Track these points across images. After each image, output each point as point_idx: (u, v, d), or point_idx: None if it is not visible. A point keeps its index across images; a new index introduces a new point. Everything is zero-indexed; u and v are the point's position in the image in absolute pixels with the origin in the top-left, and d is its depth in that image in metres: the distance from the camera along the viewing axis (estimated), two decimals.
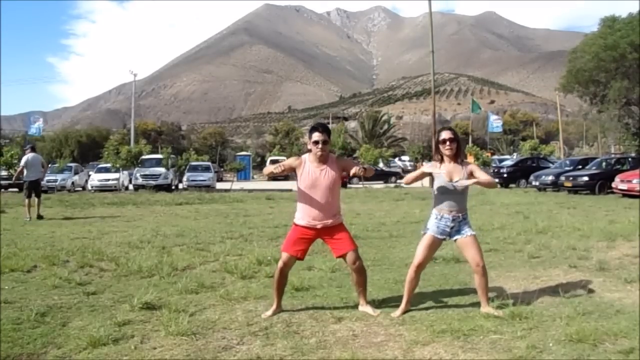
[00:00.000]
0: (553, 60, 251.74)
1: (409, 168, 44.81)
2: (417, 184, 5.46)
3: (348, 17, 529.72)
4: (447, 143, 3.96)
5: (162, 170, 24.97)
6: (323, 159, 4.03)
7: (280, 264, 4.07)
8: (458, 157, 4.01)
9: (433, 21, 28.96)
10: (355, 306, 4.14)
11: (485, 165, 28.46)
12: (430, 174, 4.09)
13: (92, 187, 25.44)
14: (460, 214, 3.98)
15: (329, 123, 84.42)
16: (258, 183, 33.42)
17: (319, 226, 4.02)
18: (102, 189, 24.64)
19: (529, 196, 17.69)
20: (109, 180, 25.48)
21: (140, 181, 24.58)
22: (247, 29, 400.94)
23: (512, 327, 3.54)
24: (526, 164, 25.87)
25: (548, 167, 23.49)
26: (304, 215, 4.05)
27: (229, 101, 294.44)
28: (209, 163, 30.98)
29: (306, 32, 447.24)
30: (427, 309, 4.10)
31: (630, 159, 20.47)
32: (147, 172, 24.77)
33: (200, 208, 14.63)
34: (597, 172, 18.86)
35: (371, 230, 9.05)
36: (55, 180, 24.25)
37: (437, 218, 4.00)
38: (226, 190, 23.37)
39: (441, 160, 4.04)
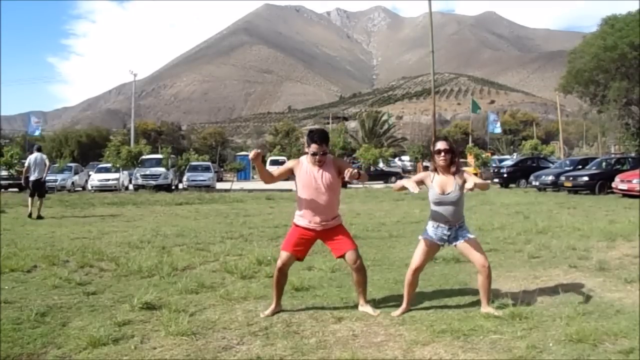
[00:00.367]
0: (553, 60, 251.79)
1: (409, 168, 44.82)
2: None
3: (348, 17, 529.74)
4: (442, 154, 3.96)
5: (162, 170, 24.96)
6: (320, 163, 4.04)
7: (279, 263, 4.08)
8: (452, 167, 4.01)
9: (433, 21, 28.98)
10: (355, 306, 4.14)
11: (485, 165, 28.46)
12: (422, 182, 4.08)
13: (92, 187, 25.43)
14: (456, 224, 4.00)
15: (328, 123, 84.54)
16: (258, 183, 33.35)
17: (318, 228, 4.03)
18: (102, 189, 24.64)
19: (529, 196, 17.68)
20: (109, 180, 25.48)
21: (140, 181, 24.59)
22: (247, 29, 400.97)
23: (512, 327, 3.54)
24: (526, 164, 25.87)
25: (548, 167, 23.49)
26: (303, 217, 4.06)
27: (229, 101, 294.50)
28: (209, 163, 30.97)
29: (306, 32, 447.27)
30: (427, 309, 4.10)
31: (630, 159, 20.47)
32: (147, 172, 24.75)
33: (200, 208, 14.63)
34: (597, 172, 18.86)
35: (371, 230, 9.04)
36: (55, 180, 24.23)
37: (434, 227, 4.04)
38: (226, 190, 23.37)
39: (435, 170, 4.04)
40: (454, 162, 4.00)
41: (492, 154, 40.46)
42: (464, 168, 4.24)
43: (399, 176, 31.40)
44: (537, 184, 20.79)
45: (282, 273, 4.08)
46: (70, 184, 25.57)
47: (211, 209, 14.33)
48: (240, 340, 3.47)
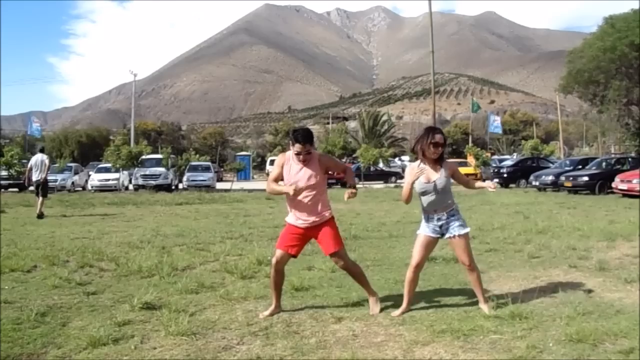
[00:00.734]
0: (553, 60, 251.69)
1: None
2: None
3: (348, 17, 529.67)
4: (440, 148, 3.95)
5: (162, 170, 24.97)
6: (305, 162, 4.03)
7: (273, 260, 4.11)
8: (439, 158, 4.01)
9: (433, 21, 28.99)
10: (355, 306, 4.15)
11: (485, 165, 28.44)
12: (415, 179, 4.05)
13: (92, 187, 25.45)
14: (445, 212, 3.99)
15: (328, 123, 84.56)
16: (258, 183, 33.40)
17: (304, 225, 4.04)
18: (102, 189, 24.65)
19: (529, 196, 17.68)
20: (109, 180, 25.49)
21: (140, 181, 24.59)
22: (247, 29, 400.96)
23: (512, 327, 3.54)
24: (526, 164, 25.88)
25: (548, 167, 23.49)
26: (291, 214, 4.10)
27: (229, 101, 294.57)
28: (209, 163, 30.97)
29: (306, 32, 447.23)
30: (427, 309, 4.10)
31: (630, 159, 20.47)
32: (147, 172, 24.76)
33: (200, 208, 14.64)
34: (597, 172, 18.86)
35: (371, 230, 9.04)
36: (55, 180, 24.23)
37: (426, 220, 4.05)
38: (226, 190, 23.37)
39: (422, 161, 4.00)
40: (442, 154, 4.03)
41: (492, 154, 40.46)
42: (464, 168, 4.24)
43: (399, 176, 31.43)
44: (537, 184, 20.80)
45: (277, 271, 4.08)
46: (70, 184, 25.59)
47: (211, 209, 14.33)
48: (240, 340, 3.47)
